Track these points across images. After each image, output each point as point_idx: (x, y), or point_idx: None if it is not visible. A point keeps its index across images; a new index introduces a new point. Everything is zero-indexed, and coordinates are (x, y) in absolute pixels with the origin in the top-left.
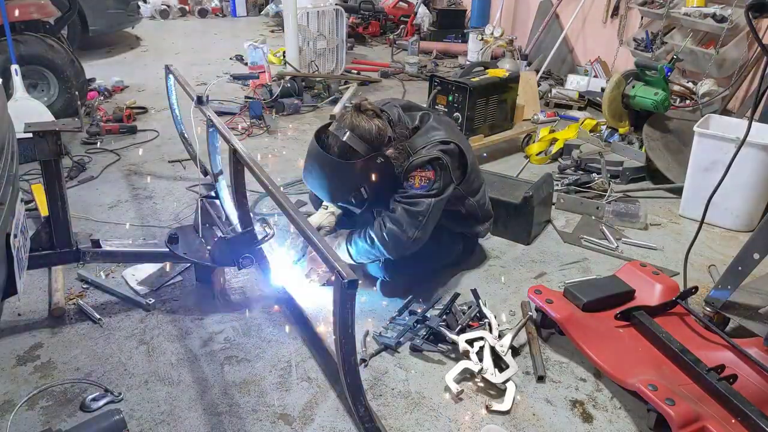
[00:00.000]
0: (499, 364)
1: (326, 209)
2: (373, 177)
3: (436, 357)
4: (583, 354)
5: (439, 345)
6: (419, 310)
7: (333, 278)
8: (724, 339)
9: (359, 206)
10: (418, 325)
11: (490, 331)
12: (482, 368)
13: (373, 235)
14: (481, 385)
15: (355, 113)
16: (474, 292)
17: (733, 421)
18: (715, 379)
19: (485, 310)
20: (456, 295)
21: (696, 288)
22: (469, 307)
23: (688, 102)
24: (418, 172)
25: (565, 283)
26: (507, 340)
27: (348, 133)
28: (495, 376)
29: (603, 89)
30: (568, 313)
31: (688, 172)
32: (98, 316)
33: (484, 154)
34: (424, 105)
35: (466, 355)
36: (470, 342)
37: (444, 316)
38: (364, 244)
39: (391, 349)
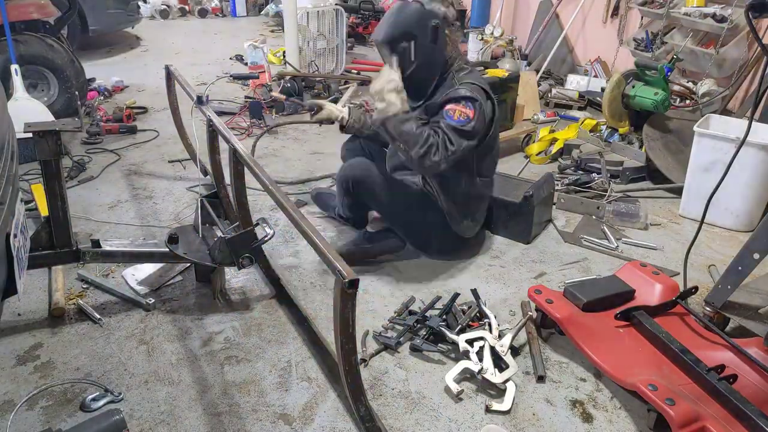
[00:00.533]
0: (499, 363)
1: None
2: (426, 36)
3: (436, 357)
4: (583, 354)
5: (439, 345)
6: (419, 310)
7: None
8: (724, 339)
9: (405, 68)
10: (418, 325)
11: (490, 331)
12: (482, 368)
13: (419, 136)
14: (482, 385)
15: None
16: (474, 292)
17: (734, 421)
18: (715, 379)
19: (485, 310)
20: (456, 295)
21: (696, 288)
22: (469, 307)
23: (688, 102)
24: (459, 107)
25: (565, 283)
26: (507, 339)
27: None
28: (495, 376)
29: (603, 89)
30: (568, 313)
31: (688, 172)
32: (98, 316)
33: None
34: None
35: (466, 355)
36: (470, 342)
37: (444, 316)
38: (412, 130)
39: (391, 348)
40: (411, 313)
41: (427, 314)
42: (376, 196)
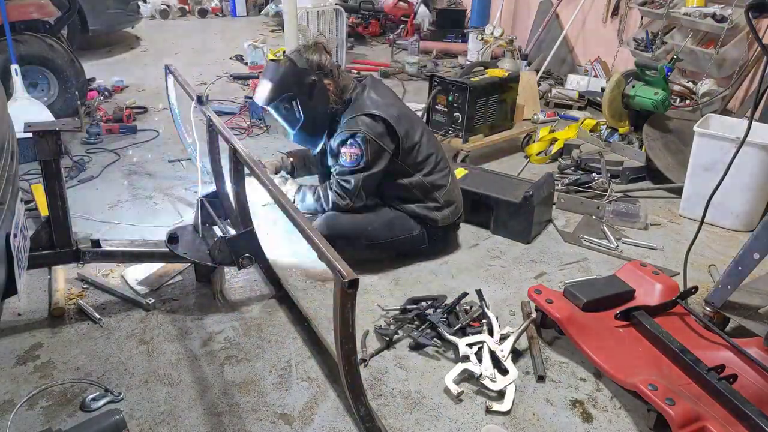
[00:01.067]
0: (499, 366)
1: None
2: (305, 93)
3: (436, 357)
4: (583, 354)
5: (434, 339)
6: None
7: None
8: (723, 339)
9: (292, 125)
10: (418, 321)
11: (491, 333)
12: (481, 374)
13: (320, 194)
14: (481, 386)
15: (310, 44)
16: (479, 293)
17: (734, 420)
18: (715, 379)
19: (488, 312)
20: (464, 295)
21: (696, 288)
22: (471, 308)
23: (688, 102)
24: (346, 149)
25: (565, 283)
26: (508, 344)
27: (296, 52)
28: (494, 383)
29: (603, 89)
30: (568, 313)
31: (688, 172)
32: (98, 316)
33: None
34: (422, 105)
35: (466, 359)
36: (470, 345)
37: (445, 315)
38: (311, 197)
39: (390, 340)
40: (413, 310)
41: (429, 311)
42: (350, 244)
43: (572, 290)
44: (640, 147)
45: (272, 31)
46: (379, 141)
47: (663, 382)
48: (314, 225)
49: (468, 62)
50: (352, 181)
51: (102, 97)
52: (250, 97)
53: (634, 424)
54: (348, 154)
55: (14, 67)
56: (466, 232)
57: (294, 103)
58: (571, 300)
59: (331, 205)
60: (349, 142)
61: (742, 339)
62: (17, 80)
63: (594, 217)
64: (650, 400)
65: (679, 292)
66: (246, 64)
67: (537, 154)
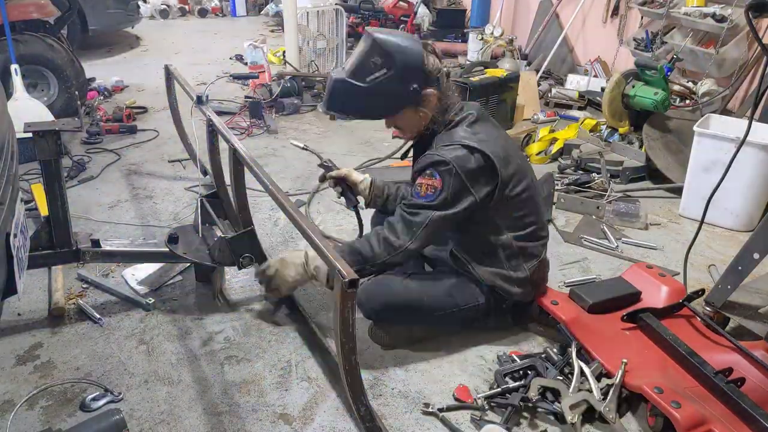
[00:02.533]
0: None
1: None
2: (395, 94)
3: (436, 356)
4: (588, 356)
5: (555, 405)
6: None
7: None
8: (731, 342)
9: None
10: (523, 403)
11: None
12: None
13: (371, 234)
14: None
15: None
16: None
17: (740, 424)
18: (723, 383)
19: (582, 365)
20: (567, 349)
21: (703, 290)
22: (553, 364)
23: (688, 102)
24: (424, 180)
25: (566, 283)
26: (613, 403)
27: (420, 42)
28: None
29: (603, 89)
30: (574, 314)
31: (688, 171)
32: (98, 316)
33: None
34: None
35: (573, 426)
36: (573, 407)
37: (559, 372)
38: (359, 244)
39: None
40: (509, 390)
41: (532, 383)
42: (404, 319)
43: (578, 292)
44: (640, 147)
45: (272, 31)
46: (467, 179)
47: (669, 384)
48: (365, 289)
49: (468, 62)
50: (419, 218)
51: (102, 97)
52: (250, 97)
53: (639, 426)
54: (424, 186)
55: (14, 67)
56: None
57: (381, 74)
58: (576, 302)
59: (383, 242)
60: (428, 171)
61: (747, 342)
62: (17, 80)
63: (594, 217)
64: (656, 403)
65: (685, 294)
66: (246, 64)
67: (537, 154)
